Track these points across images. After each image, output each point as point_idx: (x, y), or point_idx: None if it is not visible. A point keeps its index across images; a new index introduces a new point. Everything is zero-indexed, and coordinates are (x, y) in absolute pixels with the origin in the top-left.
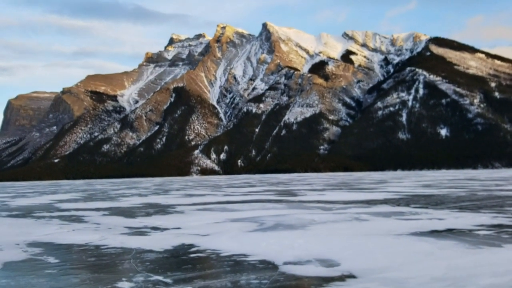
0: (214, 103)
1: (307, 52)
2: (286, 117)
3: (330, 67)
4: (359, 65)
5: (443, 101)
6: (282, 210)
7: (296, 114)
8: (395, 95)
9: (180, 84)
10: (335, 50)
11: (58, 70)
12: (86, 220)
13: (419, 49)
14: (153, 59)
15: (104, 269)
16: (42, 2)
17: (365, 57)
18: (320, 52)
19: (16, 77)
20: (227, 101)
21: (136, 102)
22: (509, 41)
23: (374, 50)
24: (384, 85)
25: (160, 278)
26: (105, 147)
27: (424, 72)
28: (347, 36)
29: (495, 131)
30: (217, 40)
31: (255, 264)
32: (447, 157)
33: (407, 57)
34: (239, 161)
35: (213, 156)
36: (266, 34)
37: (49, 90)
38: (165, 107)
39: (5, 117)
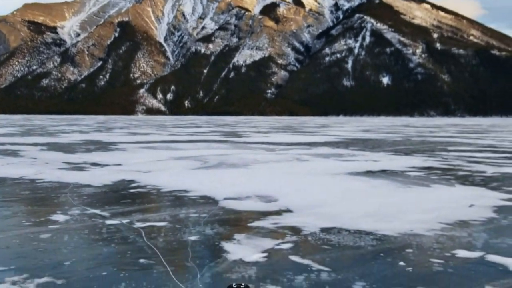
0: (161, 40)
1: None
2: (235, 59)
3: (282, 10)
4: (310, 9)
5: (388, 49)
6: (227, 150)
7: (245, 56)
8: (342, 42)
9: (125, 19)
10: None
11: None
12: (22, 154)
13: None
14: None
15: (38, 203)
16: None
17: (316, 1)
18: None
19: None
20: (175, 39)
21: (78, 35)
22: None
23: None
24: (333, 31)
25: (97, 211)
26: (44, 81)
27: (372, 20)
28: None
29: (434, 81)
30: None
31: (196, 199)
32: (387, 105)
33: (356, 3)
34: (186, 102)
35: (160, 96)
36: None
37: None
38: (108, 42)
39: None
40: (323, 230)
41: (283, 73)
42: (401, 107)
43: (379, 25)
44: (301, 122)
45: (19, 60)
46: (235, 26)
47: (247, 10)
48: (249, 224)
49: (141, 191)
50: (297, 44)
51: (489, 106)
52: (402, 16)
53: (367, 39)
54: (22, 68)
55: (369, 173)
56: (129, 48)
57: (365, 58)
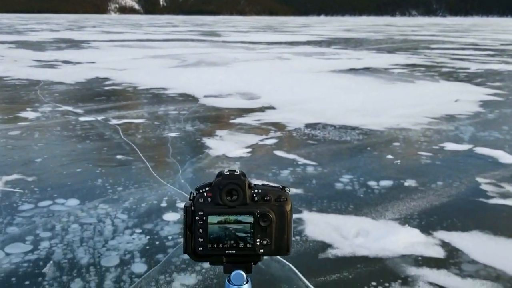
0: None
1: None
2: None
3: None
4: None
5: None
6: (205, 49)
7: None
8: None
9: None
10: None
11: None
12: None
13: None
14: None
15: (7, 100)
16: None
17: None
18: None
19: None
20: None
21: None
22: None
23: None
24: None
25: (69, 108)
26: None
27: None
28: None
29: None
30: None
31: (174, 97)
32: (369, 4)
33: None
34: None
35: None
36: None
37: None
38: None
39: None
40: (308, 125)
41: None
42: (382, 6)
43: None
44: (282, 22)
45: None
46: None
47: None
48: (231, 121)
49: (116, 89)
50: None
51: (470, 6)
52: None
53: None
54: None
55: (352, 71)
56: None
57: None
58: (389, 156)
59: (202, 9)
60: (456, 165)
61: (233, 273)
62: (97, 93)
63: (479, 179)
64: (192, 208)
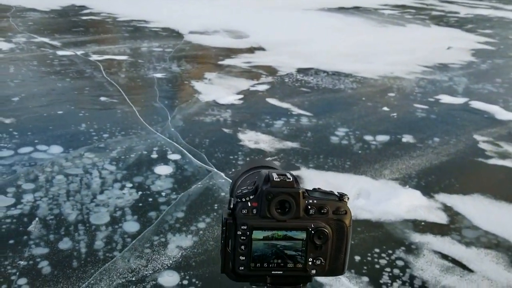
0: None
1: None
2: None
3: None
4: None
5: None
6: None
7: None
8: None
9: None
10: None
11: None
12: None
13: None
14: None
15: None
16: None
17: None
18: None
19: None
20: None
21: None
22: None
23: None
24: None
25: (46, 40)
26: None
27: None
28: None
29: None
30: None
31: (158, 32)
32: None
33: None
34: None
35: None
36: None
37: None
38: None
39: None
40: (300, 71)
41: None
42: None
43: None
44: None
45: None
46: None
47: None
48: (220, 62)
49: (94, 19)
50: None
51: None
52: None
53: None
54: None
55: (341, 10)
56: None
57: None
58: (385, 108)
59: None
60: (453, 120)
61: None
62: (74, 23)
63: (476, 137)
64: (233, 221)
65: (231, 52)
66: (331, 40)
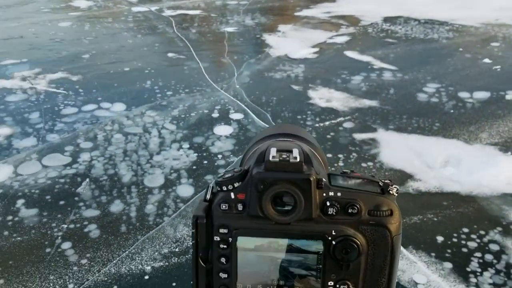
0: None
1: None
2: None
3: None
4: None
5: None
6: None
7: None
8: None
9: None
10: None
11: None
12: None
13: None
14: None
15: None
16: None
17: None
18: None
19: None
20: None
21: None
22: None
23: None
24: None
25: None
26: None
27: None
28: None
29: None
30: None
31: None
32: None
33: None
34: None
35: None
36: None
37: None
38: None
39: None
40: (387, 19)
41: None
42: None
43: None
44: None
45: None
46: None
47: None
48: (297, 14)
49: None
50: None
51: None
52: None
53: None
54: None
55: None
56: None
57: None
58: (486, 60)
59: None
60: None
61: None
62: None
63: None
64: (208, 220)
65: (310, 1)
66: None
